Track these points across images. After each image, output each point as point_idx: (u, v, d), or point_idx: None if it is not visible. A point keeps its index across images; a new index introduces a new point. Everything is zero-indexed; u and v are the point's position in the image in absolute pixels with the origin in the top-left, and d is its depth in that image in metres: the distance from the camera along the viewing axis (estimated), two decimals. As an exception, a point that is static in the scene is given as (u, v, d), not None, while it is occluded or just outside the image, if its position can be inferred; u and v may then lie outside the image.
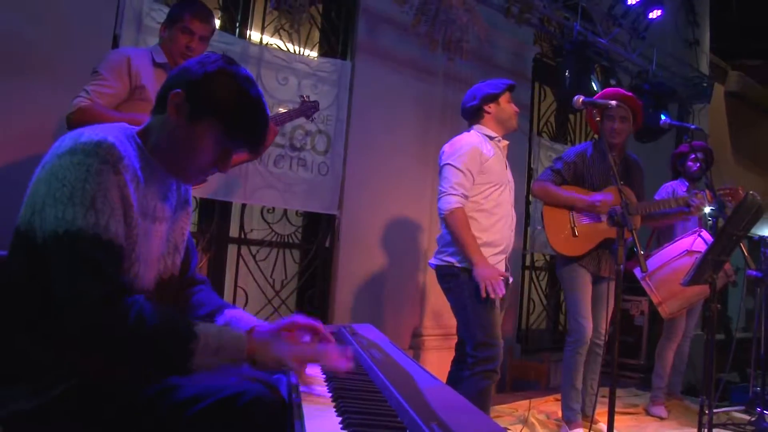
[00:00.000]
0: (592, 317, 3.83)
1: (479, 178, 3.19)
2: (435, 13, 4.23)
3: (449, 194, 3.13)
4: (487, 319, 3.09)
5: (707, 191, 3.77)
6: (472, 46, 4.57)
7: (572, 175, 3.85)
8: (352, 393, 1.45)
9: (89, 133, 1.45)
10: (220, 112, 1.53)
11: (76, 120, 2.57)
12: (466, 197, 3.15)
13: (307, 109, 3.40)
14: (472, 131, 3.33)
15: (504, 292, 3.08)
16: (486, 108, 3.31)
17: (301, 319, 1.67)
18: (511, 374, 5.30)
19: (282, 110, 3.73)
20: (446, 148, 3.28)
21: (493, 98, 3.30)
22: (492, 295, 3.02)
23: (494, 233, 3.21)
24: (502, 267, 3.26)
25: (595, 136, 3.96)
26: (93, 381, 1.46)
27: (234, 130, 1.55)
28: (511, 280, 3.39)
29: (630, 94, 3.81)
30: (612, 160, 3.15)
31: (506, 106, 3.30)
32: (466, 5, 4.29)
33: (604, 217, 3.71)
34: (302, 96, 3.64)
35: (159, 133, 1.58)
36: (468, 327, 3.16)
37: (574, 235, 3.77)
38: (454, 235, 3.11)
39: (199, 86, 1.53)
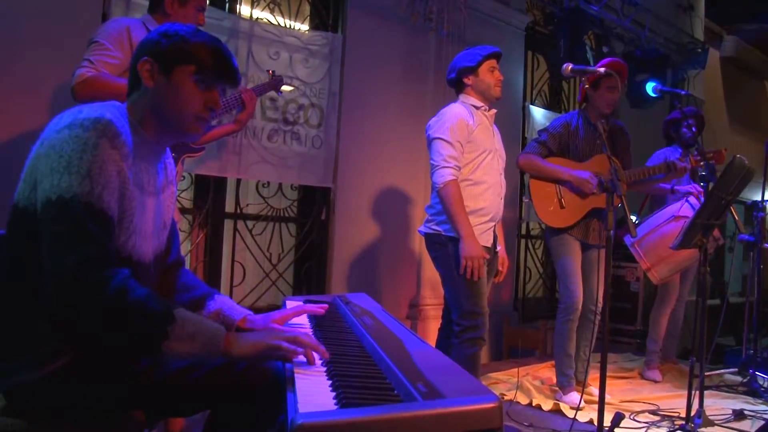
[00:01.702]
0: (584, 285, 3.88)
1: (467, 147, 3.21)
2: None
3: (443, 167, 3.15)
4: (473, 288, 3.14)
5: (690, 156, 3.80)
6: (461, 15, 4.55)
7: (558, 146, 3.87)
8: (342, 357, 1.49)
9: (88, 111, 1.49)
10: (186, 55, 1.59)
11: (83, 91, 2.50)
12: (459, 168, 3.18)
13: (276, 83, 3.41)
14: (457, 102, 3.35)
15: (484, 274, 3.11)
16: (465, 80, 3.33)
17: (287, 310, 1.75)
18: (508, 341, 5.37)
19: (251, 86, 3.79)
20: (432, 121, 3.30)
21: (471, 70, 3.31)
22: (469, 276, 3.07)
23: (482, 201, 3.24)
24: (490, 235, 3.31)
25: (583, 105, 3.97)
26: (88, 353, 1.48)
27: (206, 66, 1.61)
28: (499, 248, 3.43)
29: (617, 61, 3.82)
30: (601, 129, 3.16)
31: (485, 76, 3.30)
32: None
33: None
34: (269, 71, 3.67)
35: (143, 104, 1.62)
36: (454, 296, 3.21)
37: (561, 206, 3.80)
38: (447, 208, 3.13)
39: (160, 45, 1.60)
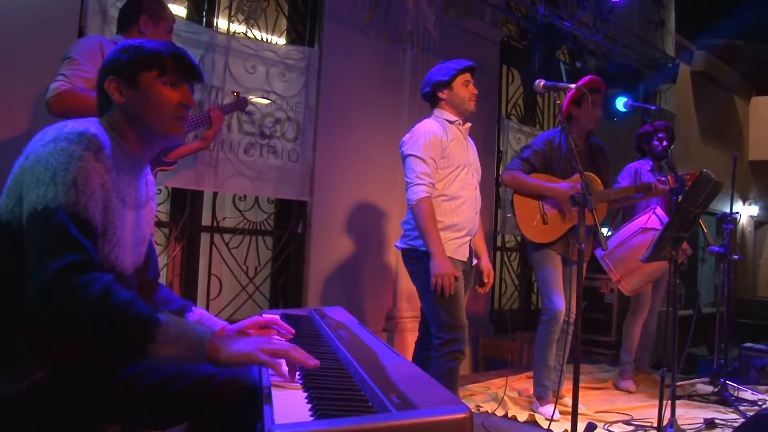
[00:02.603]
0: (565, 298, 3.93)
1: (441, 163, 3.25)
2: (386, 7, 4.28)
3: (416, 184, 3.18)
4: (451, 301, 3.16)
5: (669, 177, 3.87)
6: (431, 37, 4.62)
7: (541, 163, 3.93)
8: (318, 370, 1.51)
9: (72, 125, 1.53)
10: (145, 61, 1.65)
11: (58, 104, 2.55)
12: (432, 185, 3.21)
13: (241, 104, 3.50)
14: (431, 117, 3.39)
15: (454, 291, 3.14)
16: (439, 94, 3.37)
17: (262, 317, 1.77)
18: (484, 353, 5.41)
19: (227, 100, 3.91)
20: (406, 137, 3.32)
21: (445, 84, 3.35)
22: (439, 293, 3.11)
23: (457, 216, 3.28)
24: (466, 249, 3.34)
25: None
26: (67, 365, 1.49)
27: (167, 66, 1.66)
28: (475, 261, 3.47)
29: (594, 78, 3.90)
30: (572, 144, 3.22)
31: (460, 91, 3.34)
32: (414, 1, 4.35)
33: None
34: (234, 92, 3.79)
35: (120, 119, 1.66)
36: (432, 309, 3.24)
37: (545, 222, 3.87)
38: (419, 225, 3.16)
39: (119, 61, 1.66)
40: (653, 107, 3.81)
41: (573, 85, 3.20)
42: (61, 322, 1.39)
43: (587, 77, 3.91)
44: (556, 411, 3.60)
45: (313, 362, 1.43)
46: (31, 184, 1.45)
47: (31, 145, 1.54)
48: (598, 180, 3.94)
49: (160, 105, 1.65)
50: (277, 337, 1.70)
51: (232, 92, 3.82)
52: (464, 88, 3.34)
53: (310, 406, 1.24)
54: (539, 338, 3.93)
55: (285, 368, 1.47)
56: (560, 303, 3.85)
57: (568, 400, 3.77)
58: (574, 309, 3.90)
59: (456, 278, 3.13)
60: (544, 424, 3.63)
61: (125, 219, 1.64)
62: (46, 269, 1.37)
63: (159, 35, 2.85)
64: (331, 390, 1.35)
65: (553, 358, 3.94)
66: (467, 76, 3.35)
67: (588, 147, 4.02)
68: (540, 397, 3.95)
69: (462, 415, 1.10)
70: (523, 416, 3.82)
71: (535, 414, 3.82)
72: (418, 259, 3.25)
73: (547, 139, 3.99)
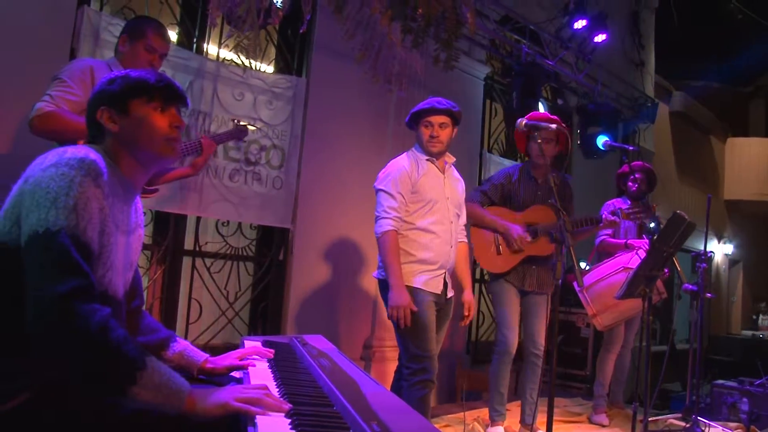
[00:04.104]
0: (526, 329, 4.03)
1: (411, 198, 3.35)
2: (378, 50, 4.39)
3: (382, 218, 3.30)
4: (417, 332, 3.24)
5: (621, 211, 3.93)
6: (418, 78, 4.74)
7: (500, 197, 4.03)
8: (300, 398, 1.55)
9: (73, 151, 1.57)
10: (134, 90, 1.72)
11: (41, 125, 2.54)
12: (399, 219, 3.31)
13: (239, 132, 3.49)
14: (408, 152, 3.49)
15: (409, 323, 3.20)
16: (413, 130, 3.50)
17: (245, 349, 1.90)
18: (460, 384, 5.43)
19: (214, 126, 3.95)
20: (380, 173, 3.44)
21: (411, 125, 3.49)
22: (396, 324, 3.20)
23: (429, 251, 3.35)
24: (439, 282, 3.40)
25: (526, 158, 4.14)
26: (50, 390, 1.49)
27: (154, 92, 1.73)
28: (450, 294, 3.52)
29: (556, 117, 3.98)
30: (552, 182, 3.30)
31: (421, 132, 3.43)
32: (404, 46, 4.48)
33: (525, 235, 3.90)
34: (233, 120, 3.84)
35: (115, 147, 1.72)
36: (402, 340, 3.31)
37: (498, 252, 3.95)
38: (383, 256, 3.28)
39: (109, 91, 1.72)
40: (631, 147, 3.90)
41: (553, 126, 3.29)
42: (50, 346, 1.39)
43: (533, 113, 4.01)
44: None
45: (286, 407, 1.46)
46: (31, 206, 1.48)
47: (31, 169, 1.57)
48: (551, 212, 4.01)
49: (152, 129, 1.71)
50: (253, 385, 1.66)
51: (233, 120, 3.85)
52: (425, 130, 3.42)
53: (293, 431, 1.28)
54: (492, 368, 4.05)
55: (259, 411, 1.46)
56: (511, 338, 3.94)
57: (541, 433, 3.81)
58: (542, 341, 3.97)
59: (414, 311, 3.20)
60: (518, 457, 3.67)
61: (118, 243, 1.68)
62: (48, 291, 1.39)
63: (136, 54, 2.85)
64: (314, 417, 1.39)
65: (505, 386, 4.04)
66: (428, 118, 3.41)
67: (550, 180, 4.09)
68: (492, 420, 4.07)
69: (440, 445, 1.15)
70: (497, 448, 3.85)
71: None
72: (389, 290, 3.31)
73: (506, 174, 4.09)
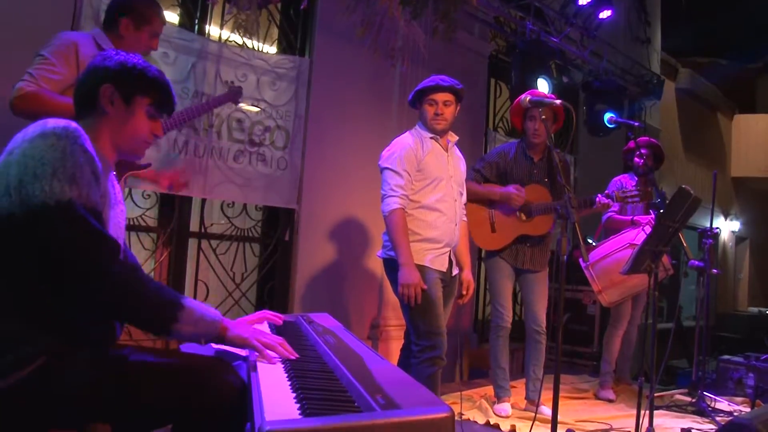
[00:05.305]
0: (529, 307, 4.09)
1: (416, 176, 3.35)
2: (379, 25, 4.37)
3: (389, 196, 3.30)
4: (426, 309, 3.25)
5: (617, 193, 3.90)
6: (421, 54, 4.70)
7: (495, 175, 4.03)
8: (306, 372, 1.56)
9: (54, 121, 1.62)
10: (145, 88, 1.81)
11: (22, 105, 2.47)
12: (406, 197, 3.31)
13: (234, 94, 3.48)
14: (412, 130, 3.48)
15: (420, 301, 3.21)
16: (417, 108, 3.49)
17: (257, 314, 2.11)
18: (469, 363, 5.46)
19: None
20: (384, 152, 3.43)
21: (416, 101, 3.47)
22: (406, 302, 3.21)
23: (434, 229, 3.36)
24: (444, 260, 3.41)
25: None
26: (65, 351, 1.55)
27: (159, 100, 1.84)
28: (455, 272, 3.53)
29: (552, 96, 3.95)
30: (556, 158, 3.29)
31: (425, 109, 3.41)
32: (406, 20, 4.44)
33: (519, 214, 3.94)
34: (227, 81, 3.83)
35: (98, 124, 1.77)
36: (410, 317, 3.32)
37: (493, 230, 3.97)
38: (391, 235, 3.28)
39: (121, 74, 1.78)
40: (636, 123, 3.88)
41: (558, 101, 3.27)
42: (109, 304, 1.58)
43: (530, 90, 3.99)
44: (510, 408, 3.99)
45: (293, 356, 1.73)
46: (26, 177, 1.52)
47: (14, 142, 1.61)
48: (546, 191, 4.00)
49: (138, 129, 1.81)
50: (273, 335, 1.87)
51: (226, 82, 3.84)
52: (429, 107, 3.40)
53: (298, 405, 1.29)
54: (490, 344, 4.13)
55: (272, 355, 1.71)
56: (504, 312, 4.02)
57: (545, 409, 3.83)
58: (543, 318, 4.00)
59: (424, 289, 3.22)
60: (525, 433, 3.68)
61: (108, 212, 1.74)
62: (94, 268, 1.53)
63: (140, 40, 2.78)
64: (319, 391, 1.40)
65: (506, 361, 4.10)
66: (432, 96, 3.39)
67: (547, 159, 4.08)
68: (498, 397, 4.13)
69: (443, 415, 1.16)
70: (505, 425, 3.87)
71: (516, 426, 3.87)
72: (396, 269, 3.31)
73: (501, 152, 4.10)
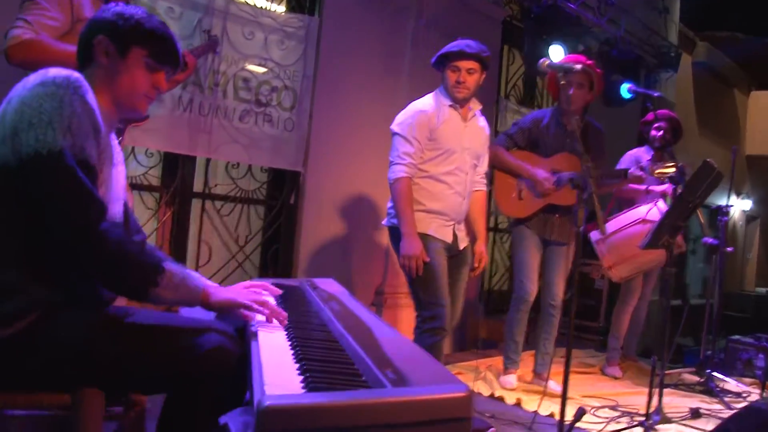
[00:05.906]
0: (547, 280, 3.98)
1: (428, 145, 3.23)
2: None
3: (396, 164, 3.21)
4: (429, 281, 3.18)
5: (650, 166, 3.75)
6: (438, 6, 4.55)
7: (526, 141, 3.93)
8: (309, 342, 1.47)
9: (56, 70, 1.56)
10: (141, 39, 1.70)
11: (20, 54, 2.28)
12: (414, 166, 3.21)
13: (213, 44, 3.40)
14: (431, 93, 3.35)
15: (420, 272, 3.14)
16: (440, 72, 3.34)
17: (254, 282, 1.97)
18: (472, 333, 5.39)
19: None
20: (398, 116, 3.32)
21: (439, 65, 3.32)
22: (407, 273, 3.15)
23: (439, 202, 3.28)
24: (449, 231, 3.33)
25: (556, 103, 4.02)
26: (59, 303, 1.52)
27: (158, 51, 1.73)
28: (463, 246, 3.43)
29: (590, 61, 3.83)
30: (576, 126, 3.18)
31: (447, 75, 3.28)
32: None
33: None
34: (205, 31, 3.71)
35: (98, 77, 1.68)
36: (412, 288, 3.27)
37: (520, 198, 3.88)
38: (395, 204, 3.21)
39: (117, 25, 1.69)
40: (656, 94, 3.75)
41: (578, 66, 3.14)
42: (86, 261, 1.53)
43: (573, 55, 3.86)
44: (515, 381, 3.99)
45: (282, 315, 1.68)
46: (22, 125, 1.47)
47: (15, 90, 1.55)
48: (578, 161, 3.88)
49: (137, 83, 1.70)
50: (261, 284, 1.87)
51: (204, 31, 3.73)
52: (451, 74, 3.27)
53: (302, 378, 1.19)
54: (509, 315, 4.05)
55: (264, 312, 1.67)
56: (529, 286, 3.92)
57: (552, 383, 3.75)
58: (560, 292, 3.92)
59: (426, 261, 3.14)
60: (529, 407, 3.62)
61: (109, 170, 1.68)
62: (74, 222, 1.48)
63: None
64: (324, 362, 1.30)
65: (521, 335, 4.03)
66: (456, 62, 3.24)
67: (582, 128, 3.95)
68: (506, 368, 4.08)
69: (461, 394, 1.05)
70: (510, 398, 3.81)
71: (522, 399, 3.80)
72: (399, 238, 3.24)
73: (534, 119, 3.99)
